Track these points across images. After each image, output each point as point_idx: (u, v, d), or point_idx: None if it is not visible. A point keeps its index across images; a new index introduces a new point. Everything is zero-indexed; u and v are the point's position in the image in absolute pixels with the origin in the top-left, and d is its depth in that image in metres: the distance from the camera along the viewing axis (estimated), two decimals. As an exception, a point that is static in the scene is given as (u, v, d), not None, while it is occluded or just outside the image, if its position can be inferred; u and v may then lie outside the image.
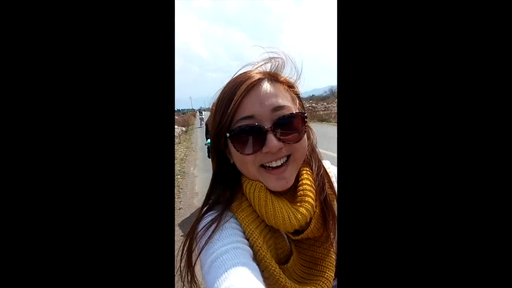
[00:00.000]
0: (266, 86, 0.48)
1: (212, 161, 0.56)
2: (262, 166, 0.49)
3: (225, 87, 0.51)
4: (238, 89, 0.47)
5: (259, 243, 0.45)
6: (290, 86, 0.53)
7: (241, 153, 0.47)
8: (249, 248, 0.44)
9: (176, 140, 11.32)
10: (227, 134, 0.47)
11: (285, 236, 0.52)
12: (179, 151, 8.95)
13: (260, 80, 0.48)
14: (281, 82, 0.51)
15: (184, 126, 19.61)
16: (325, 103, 21.91)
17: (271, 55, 0.53)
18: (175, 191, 4.52)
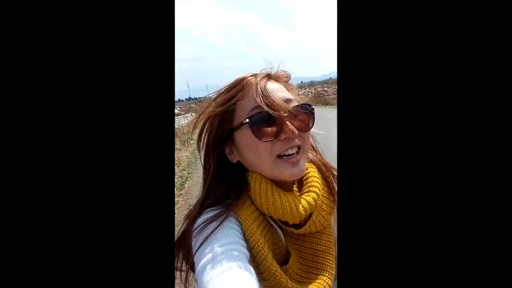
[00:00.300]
0: (273, 83, 0.52)
1: (207, 164, 0.54)
2: (278, 156, 0.49)
3: (226, 88, 0.52)
4: (246, 85, 0.49)
5: (260, 244, 0.45)
6: (289, 88, 0.56)
7: (260, 139, 0.47)
8: (246, 251, 0.44)
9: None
10: (246, 120, 0.48)
11: (282, 236, 0.52)
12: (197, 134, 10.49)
13: (264, 78, 0.51)
14: (282, 81, 0.55)
15: (201, 114, 20.86)
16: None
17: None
18: (197, 164, 5.98)
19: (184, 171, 5.09)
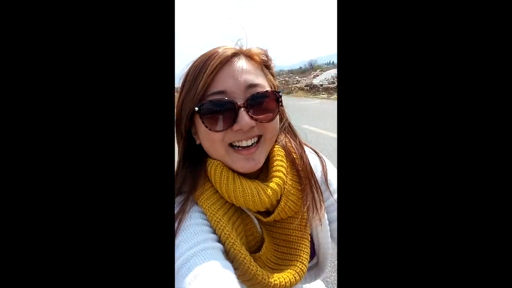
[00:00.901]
0: (241, 62, 0.47)
1: (178, 144, 0.53)
2: (231, 145, 0.47)
3: (194, 62, 0.49)
4: (210, 63, 0.45)
5: (227, 231, 0.44)
6: (266, 65, 0.53)
7: (210, 129, 0.45)
8: (218, 244, 0.43)
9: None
10: (196, 108, 0.45)
11: (256, 222, 0.51)
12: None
13: (234, 56, 0.47)
14: (255, 60, 0.50)
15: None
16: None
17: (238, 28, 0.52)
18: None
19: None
